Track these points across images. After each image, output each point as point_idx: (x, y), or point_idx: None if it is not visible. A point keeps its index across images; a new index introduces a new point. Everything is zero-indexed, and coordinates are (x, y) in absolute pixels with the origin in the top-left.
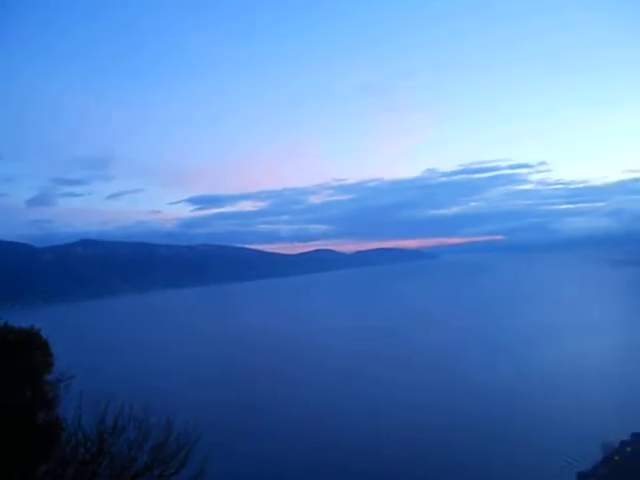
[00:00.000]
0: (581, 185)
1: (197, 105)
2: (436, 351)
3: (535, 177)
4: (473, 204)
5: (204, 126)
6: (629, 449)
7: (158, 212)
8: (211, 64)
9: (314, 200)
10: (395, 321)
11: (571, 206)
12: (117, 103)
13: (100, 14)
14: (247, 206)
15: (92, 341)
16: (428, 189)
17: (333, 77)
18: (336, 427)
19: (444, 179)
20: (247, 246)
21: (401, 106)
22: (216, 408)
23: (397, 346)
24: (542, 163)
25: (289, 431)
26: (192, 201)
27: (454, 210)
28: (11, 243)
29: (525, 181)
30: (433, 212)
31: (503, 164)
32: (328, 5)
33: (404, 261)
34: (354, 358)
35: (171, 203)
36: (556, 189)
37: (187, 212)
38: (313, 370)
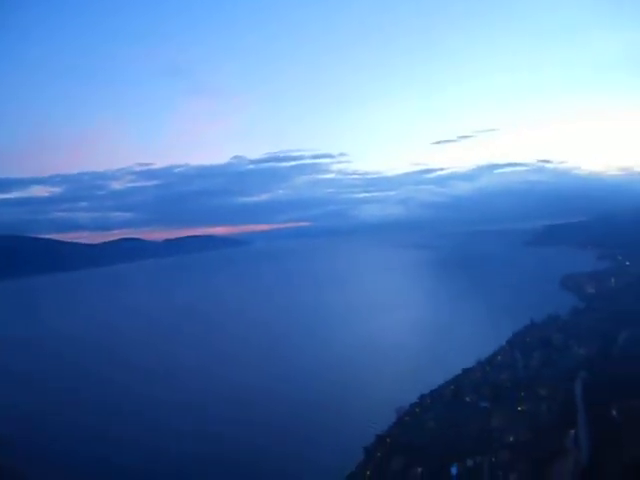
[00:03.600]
0: (375, 176)
1: None
2: (239, 341)
3: (336, 167)
4: (281, 192)
5: None
6: (417, 409)
7: None
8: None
9: (116, 186)
10: (200, 314)
11: (367, 194)
12: None
13: None
14: (39, 191)
15: None
16: (237, 176)
17: (135, 57)
18: None
19: (252, 166)
20: (40, 236)
21: (208, 90)
22: None
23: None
24: (342, 154)
25: None
26: None
27: (263, 197)
28: None
29: (327, 171)
30: (243, 199)
31: (307, 154)
32: None
33: (215, 249)
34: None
35: None
36: (354, 179)
37: None
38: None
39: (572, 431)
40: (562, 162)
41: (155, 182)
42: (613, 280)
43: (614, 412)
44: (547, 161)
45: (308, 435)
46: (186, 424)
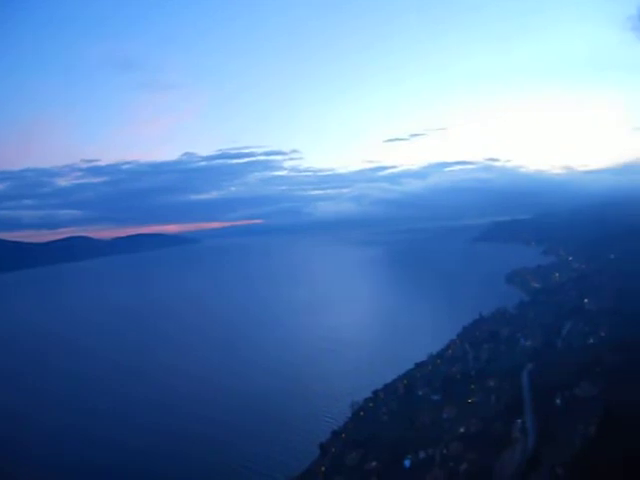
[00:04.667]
0: (329, 173)
1: None
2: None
3: (288, 164)
4: (233, 189)
5: None
6: (371, 404)
7: None
8: None
9: (62, 182)
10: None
11: (320, 192)
12: None
13: None
14: None
15: None
16: (187, 173)
17: (81, 49)
18: None
19: (203, 163)
20: None
21: (157, 85)
22: None
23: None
24: (295, 151)
25: None
26: None
27: (214, 194)
28: None
29: (280, 167)
30: (193, 196)
31: (259, 150)
32: None
33: (166, 246)
34: None
35: None
36: (307, 176)
37: None
38: None
39: (519, 420)
40: (508, 160)
41: (103, 179)
42: (557, 275)
43: (558, 401)
44: (495, 159)
45: (264, 432)
46: (148, 420)
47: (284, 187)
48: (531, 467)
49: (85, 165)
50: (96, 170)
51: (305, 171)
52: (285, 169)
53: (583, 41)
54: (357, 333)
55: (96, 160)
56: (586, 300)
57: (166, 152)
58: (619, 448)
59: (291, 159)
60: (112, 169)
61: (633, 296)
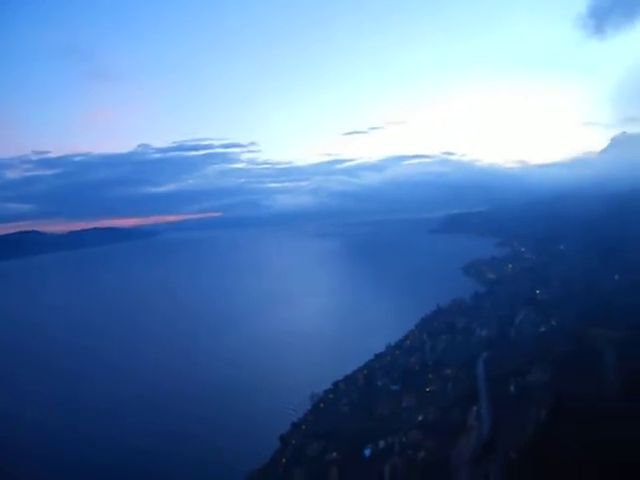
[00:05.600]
0: (286, 165)
1: None
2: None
3: (246, 156)
4: (190, 181)
5: None
6: (331, 396)
7: None
8: None
9: (11, 175)
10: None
11: (279, 185)
12: None
13: None
14: None
15: None
16: (143, 165)
17: (30, 34)
18: None
19: (159, 155)
20: None
21: (110, 74)
22: None
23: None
24: (252, 143)
25: None
26: None
27: (171, 187)
28: None
29: (238, 160)
30: (150, 189)
31: (216, 143)
32: None
33: (122, 241)
34: None
35: None
36: (265, 168)
37: None
38: None
39: (475, 408)
40: (464, 154)
41: (54, 171)
42: (510, 266)
43: (512, 388)
44: (451, 153)
45: (225, 424)
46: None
47: (242, 180)
48: (486, 452)
49: (35, 157)
50: (47, 162)
51: (263, 164)
52: (243, 162)
53: (535, 37)
54: (317, 326)
55: (47, 152)
56: (538, 291)
57: (120, 144)
58: (568, 431)
59: (249, 152)
60: (64, 161)
61: (581, 286)
